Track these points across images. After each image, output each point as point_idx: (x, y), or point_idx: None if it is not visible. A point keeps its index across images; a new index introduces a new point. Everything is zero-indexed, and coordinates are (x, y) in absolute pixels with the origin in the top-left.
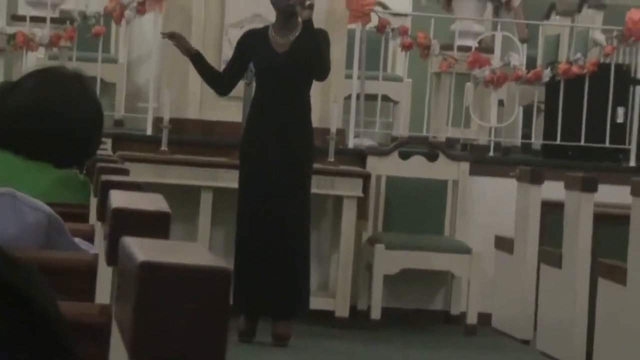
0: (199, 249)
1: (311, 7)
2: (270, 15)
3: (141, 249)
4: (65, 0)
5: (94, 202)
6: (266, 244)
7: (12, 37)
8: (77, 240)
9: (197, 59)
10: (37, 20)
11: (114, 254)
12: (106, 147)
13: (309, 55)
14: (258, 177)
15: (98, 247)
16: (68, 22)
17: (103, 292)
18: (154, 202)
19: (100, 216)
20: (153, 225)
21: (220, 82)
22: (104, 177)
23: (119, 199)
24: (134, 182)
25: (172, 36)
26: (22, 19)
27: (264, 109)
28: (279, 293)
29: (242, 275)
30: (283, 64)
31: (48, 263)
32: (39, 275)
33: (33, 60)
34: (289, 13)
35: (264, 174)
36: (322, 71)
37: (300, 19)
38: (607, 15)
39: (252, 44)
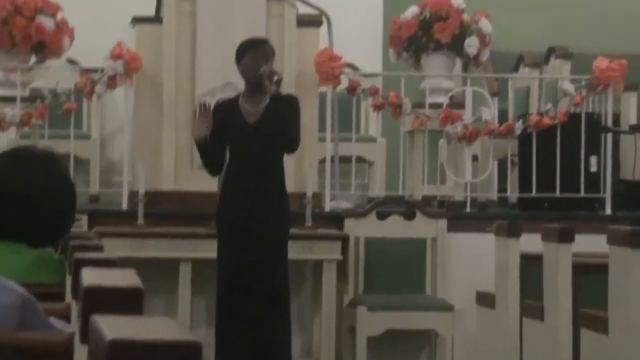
0: (169, 323)
1: (279, 82)
2: (241, 83)
3: (110, 326)
4: (34, 78)
5: (69, 280)
6: (247, 312)
7: None
8: (52, 319)
9: (204, 143)
10: (7, 100)
11: (87, 332)
12: (81, 224)
13: (277, 127)
14: (235, 246)
15: (74, 326)
16: (38, 100)
17: None
18: (126, 278)
19: (75, 294)
20: (125, 302)
21: (214, 162)
22: (77, 255)
23: (90, 276)
24: (107, 259)
25: (205, 111)
26: None
27: (237, 178)
28: None
29: (223, 344)
30: (254, 134)
31: (23, 344)
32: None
33: (4, 141)
34: (258, 84)
35: (241, 243)
36: (291, 147)
37: None
38: (574, 64)
39: (224, 115)
